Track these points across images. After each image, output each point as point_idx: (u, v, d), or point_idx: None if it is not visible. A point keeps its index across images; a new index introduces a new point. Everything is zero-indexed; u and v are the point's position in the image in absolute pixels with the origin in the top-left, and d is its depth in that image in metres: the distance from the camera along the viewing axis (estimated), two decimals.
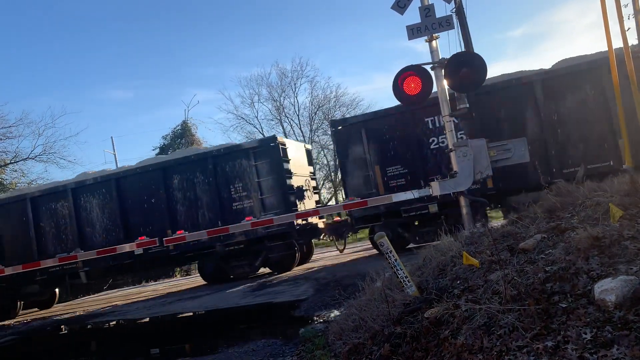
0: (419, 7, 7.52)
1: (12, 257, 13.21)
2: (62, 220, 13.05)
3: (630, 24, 5.37)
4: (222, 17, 52.88)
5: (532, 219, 4.72)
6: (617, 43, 6.26)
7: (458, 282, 3.86)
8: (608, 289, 2.62)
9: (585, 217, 4.04)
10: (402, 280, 4.08)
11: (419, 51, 56.84)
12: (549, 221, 4.39)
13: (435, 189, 7.61)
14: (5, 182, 24.83)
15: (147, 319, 9.66)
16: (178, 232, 11.71)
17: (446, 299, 3.53)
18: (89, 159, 66.88)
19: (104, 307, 12.69)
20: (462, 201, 7.62)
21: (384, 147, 11.49)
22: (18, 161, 25.57)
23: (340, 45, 51.21)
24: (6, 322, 13.89)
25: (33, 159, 25.61)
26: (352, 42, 52.63)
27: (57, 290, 15.05)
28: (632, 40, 6.19)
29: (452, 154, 7.57)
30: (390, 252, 4.08)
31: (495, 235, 4.51)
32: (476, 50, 7.83)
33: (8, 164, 25.28)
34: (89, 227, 12.88)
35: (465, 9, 11.87)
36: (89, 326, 10.17)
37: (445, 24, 7.49)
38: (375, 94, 59.09)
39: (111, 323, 10.09)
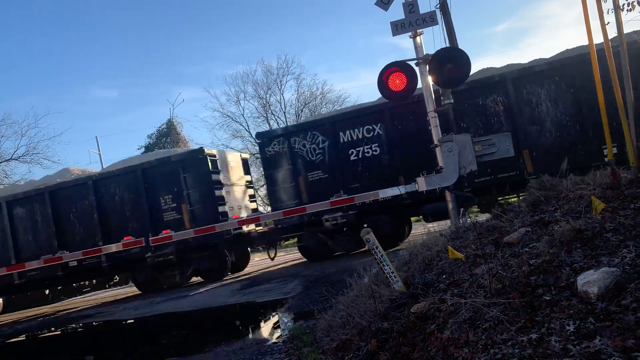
0: (403, 3, 7.53)
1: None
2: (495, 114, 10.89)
3: (610, 18, 5.43)
4: (206, 14, 52.52)
5: (516, 213, 4.77)
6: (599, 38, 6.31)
7: (444, 276, 3.88)
8: (591, 281, 2.66)
9: (568, 210, 4.09)
10: (388, 275, 4.10)
11: (404, 47, 56.93)
12: (533, 215, 4.43)
13: (422, 184, 7.65)
14: None
15: (135, 319, 9.58)
16: None
17: (432, 294, 3.55)
18: (73, 159, 66.06)
19: (91, 307, 12.57)
20: (448, 196, 7.66)
21: None
22: (1, 162, 25.24)
23: (326, 42, 51.28)
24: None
25: (16, 159, 25.32)
26: (338, 39, 52.69)
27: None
28: (612, 35, 6.26)
29: (437, 149, 7.61)
30: (377, 247, 4.10)
31: (480, 230, 4.54)
32: (461, 46, 7.91)
33: None
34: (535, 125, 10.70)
35: (449, 5, 11.94)
36: (75, 328, 10.06)
37: (429, 19, 7.51)
38: (362, 90, 59.24)
39: (98, 324, 9.99)
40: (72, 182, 13.74)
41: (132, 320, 9.57)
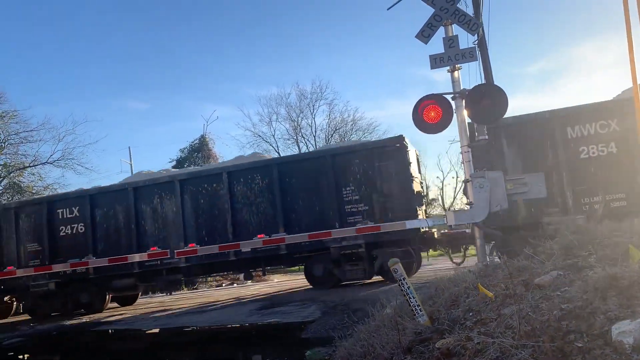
0: (443, 38, 7.59)
1: None
2: None
3: None
4: (241, 35, 53.43)
5: (548, 255, 4.67)
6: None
7: (471, 314, 3.82)
8: (626, 331, 2.58)
9: (603, 257, 3.99)
10: (413, 308, 4.05)
11: (435, 80, 56.34)
12: (566, 258, 4.34)
13: (450, 219, 7.58)
14: (22, 185, 25.20)
15: (155, 331, 9.64)
16: None
17: (458, 331, 3.49)
18: (105, 167, 67.71)
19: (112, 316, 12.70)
20: (477, 232, 7.56)
21: None
22: (37, 165, 25.94)
23: (355, 68, 51.40)
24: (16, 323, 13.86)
25: (51, 163, 25.96)
26: (368, 66, 52.85)
27: None
28: None
29: (468, 184, 7.55)
30: (404, 279, 4.07)
31: (510, 269, 4.46)
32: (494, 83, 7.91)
33: (27, 167, 25.68)
34: None
35: (487, 42, 11.99)
36: (92, 334, 10.17)
37: (468, 55, 7.54)
38: (391, 120, 59.21)
39: (116, 332, 10.08)
40: None
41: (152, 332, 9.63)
